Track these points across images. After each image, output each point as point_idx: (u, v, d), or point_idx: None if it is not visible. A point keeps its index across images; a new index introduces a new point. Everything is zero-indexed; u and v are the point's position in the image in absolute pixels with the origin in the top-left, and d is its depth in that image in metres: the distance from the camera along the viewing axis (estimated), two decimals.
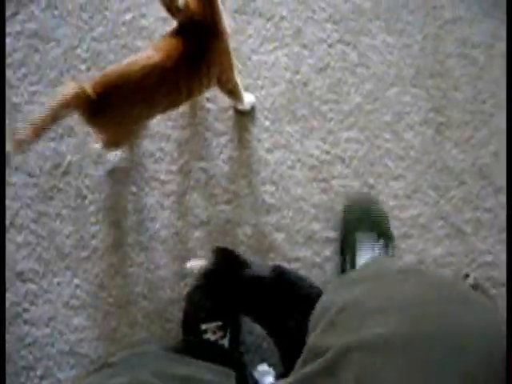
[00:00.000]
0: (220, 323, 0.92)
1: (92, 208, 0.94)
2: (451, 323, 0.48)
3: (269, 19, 1.01)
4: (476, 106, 1.09)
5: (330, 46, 1.01)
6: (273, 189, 1.03)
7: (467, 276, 0.74)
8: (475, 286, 0.64)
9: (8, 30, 1.01)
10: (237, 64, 0.92)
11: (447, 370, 0.45)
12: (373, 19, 1.02)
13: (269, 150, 0.97)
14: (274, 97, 0.99)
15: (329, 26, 1.02)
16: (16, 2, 1.01)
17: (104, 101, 0.77)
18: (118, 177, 1.04)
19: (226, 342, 0.93)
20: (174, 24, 0.83)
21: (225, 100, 0.98)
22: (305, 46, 1.00)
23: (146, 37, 0.99)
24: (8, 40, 1.07)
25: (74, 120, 0.96)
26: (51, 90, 0.99)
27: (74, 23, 1.01)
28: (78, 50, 0.99)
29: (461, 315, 0.49)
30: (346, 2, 1.10)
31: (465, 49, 1.03)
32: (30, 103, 0.99)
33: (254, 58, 0.99)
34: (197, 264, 0.91)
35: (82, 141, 0.97)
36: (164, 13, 0.82)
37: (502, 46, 1.10)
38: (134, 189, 0.96)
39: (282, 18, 1.01)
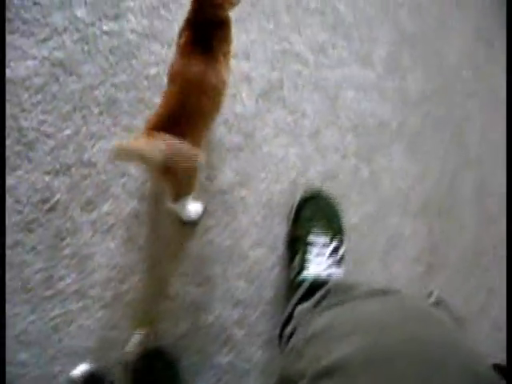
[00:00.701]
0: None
1: (67, 251, 0.95)
2: (408, 340, 0.50)
3: (291, 113, 0.98)
4: (474, 257, 1.09)
5: (343, 157, 0.98)
6: (246, 285, 1.05)
7: (431, 293, 0.73)
8: (438, 303, 0.68)
9: (36, 53, 1.01)
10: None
11: (404, 382, 0.46)
12: (395, 141, 0.99)
13: (252, 246, 0.95)
14: (272, 193, 0.96)
15: (349, 136, 0.98)
16: (51, 28, 0.99)
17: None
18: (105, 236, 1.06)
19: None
20: None
21: (223, 183, 0.95)
22: (318, 151, 0.97)
23: None
24: (33, 63, 1.10)
25: (72, 160, 1.04)
26: (60, 123, 0.96)
27: (100, 63, 0.99)
28: (96, 92, 0.98)
29: (417, 332, 0.51)
30: (373, 116, 1.10)
31: (479, 195, 0.99)
32: (36, 131, 0.98)
33: (265, 148, 0.97)
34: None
35: (76, 183, 0.95)
36: None
37: None
38: (111, 244, 0.95)
39: (305, 115, 0.98)
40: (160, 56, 1.04)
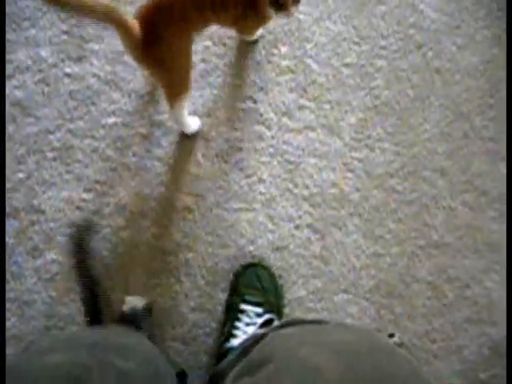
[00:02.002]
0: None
1: (10, 295, 0.97)
2: (377, 369, 0.52)
3: (247, 176, 0.94)
4: (423, 342, 1.10)
5: (296, 227, 0.94)
6: (182, 348, 1.07)
7: (392, 335, 0.74)
8: (400, 345, 0.67)
9: None
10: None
11: None
12: (354, 215, 0.95)
13: (193, 310, 0.93)
14: (219, 258, 0.95)
15: (305, 206, 0.95)
16: (14, 66, 0.97)
17: (151, 33, 0.82)
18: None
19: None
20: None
21: (169, 243, 0.92)
22: (271, 219, 0.96)
23: (119, 148, 0.94)
24: None
25: (22, 203, 1.08)
26: (14, 165, 0.94)
27: (59, 107, 0.98)
28: (51, 137, 0.97)
29: (385, 363, 0.53)
30: (334, 187, 1.13)
31: (437, 280, 0.94)
32: None
33: (215, 211, 0.95)
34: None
35: (24, 227, 0.95)
36: (146, 130, 1.04)
37: (478, 290, 1.12)
38: (53, 293, 0.93)
39: (261, 180, 0.95)
40: (119, 105, 1.02)
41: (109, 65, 1.11)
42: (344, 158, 1.10)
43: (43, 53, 1.12)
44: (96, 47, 1.12)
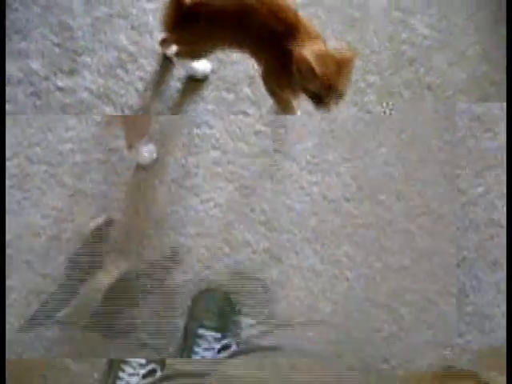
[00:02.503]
0: None
1: None
2: None
3: (203, 201, 0.96)
4: (385, 367, 1.08)
5: (254, 252, 1.12)
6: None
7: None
8: None
9: None
10: None
11: None
12: (311, 239, 1.15)
13: (152, 335, 0.92)
14: (177, 284, 1.10)
15: (262, 230, 1.16)
16: (6, 79, 1.01)
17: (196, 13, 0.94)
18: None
19: None
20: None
21: None
22: (228, 243, 1.27)
23: (76, 175, 0.94)
24: None
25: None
26: None
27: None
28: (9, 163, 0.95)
29: None
30: (291, 210, 1.11)
31: (394, 303, 1.01)
32: None
33: (173, 236, 1.01)
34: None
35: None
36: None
37: (433, 311, 1.11)
38: (11, 319, 0.92)
39: (217, 205, 1.06)
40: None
41: (101, 78, 1.12)
42: (300, 183, 1.11)
43: (34, 65, 1.13)
44: (88, 60, 1.13)
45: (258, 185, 1.15)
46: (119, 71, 1.15)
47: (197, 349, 1.02)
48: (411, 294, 1.15)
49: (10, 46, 1.14)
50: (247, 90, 1.15)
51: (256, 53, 0.97)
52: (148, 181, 1.13)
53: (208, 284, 1.10)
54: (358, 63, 1.13)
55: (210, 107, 1.14)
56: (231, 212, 1.14)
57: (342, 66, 0.87)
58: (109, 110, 1.14)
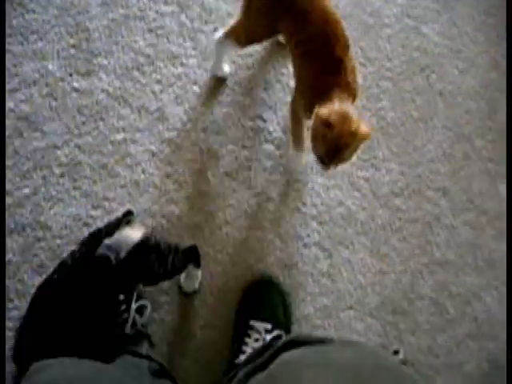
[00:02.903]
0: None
1: (14, 313, 0.91)
2: None
3: (256, 195, 0.94)
4: (427, 357, 1.10)
5: (305, 245, 0.95)
6: (190, 365, 1.05)
7: (396, 352, 0.75)
8: (404, 362, 0.76)
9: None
10: None
11: None
12: (361, 233, 0.96)
13: (202, 327, 0.91)
14: (228, 276, 0.93)
15: (313, 224, 0.96)
16: (20, 79, 0.94)
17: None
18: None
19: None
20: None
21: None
22: (280, 237, 0.96)
23: (129, 165, 0.92)
24: None
25: (28, 220, 1.06)
26: (19, 180, 0.91)
27: (66, 122, 0.96)
28: (59, 152, 0.95)
29: (389, 382, 0.53)
30: (341, 205, 1.15)
31: (440, 296, 0.95)
32: None
33: (225, 229, 0.94)
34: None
35: (29, 244, 0.91)
36: (156, 147, 1.05)
37: (478, 306, 1.14)
38: None
39: (270, 198, 0.95)
40: (128, 121, 1.01)
41: (118, 80, 1.10)
42: (351, 178, 1.12)
43: (50, 66, 1.10)
44: (105, 62, 1.11)
45: (310, 179, 1.16)
46: (136, 73, 1.12)
47: (248, 340, 1.01)
48: (456, 288, 1.18)
49: (26, 47, 1.11)
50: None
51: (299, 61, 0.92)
52: (201, 173, 1.14)
53: (260, 276, 1.10)
54: (371, 69, 1.19)
55: (264, 100, 1.12)
56: (283, 206, 1.14)
57: (354, 139, 0.83)
58: (125, 112, 1.10)
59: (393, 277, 1.14)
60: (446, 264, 1.18)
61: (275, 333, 1.00)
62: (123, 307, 1.02)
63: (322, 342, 0.68)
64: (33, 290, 1.07)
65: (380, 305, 1.13)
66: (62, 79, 1.15)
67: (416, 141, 1.18)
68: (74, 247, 1.09)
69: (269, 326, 1.03)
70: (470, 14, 1.28)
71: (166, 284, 1.08)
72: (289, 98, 1.16)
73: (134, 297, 1.03)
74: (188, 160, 1.11)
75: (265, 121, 1.15)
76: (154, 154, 1.11)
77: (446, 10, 1.28)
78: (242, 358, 1.00)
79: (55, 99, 1.14)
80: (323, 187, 1.15)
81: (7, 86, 1.11)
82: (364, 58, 1.19)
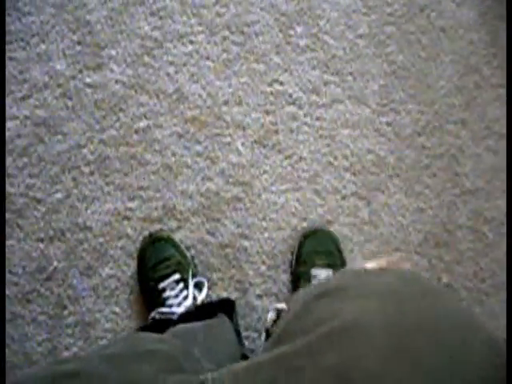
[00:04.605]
0: (177, 276, 0.98)
1: (70, 320, 0.89)
2: (427, 312, 0.48)
3: (287, 157, 0.93)
4: (474, 283, 1.13)
5: (343, 197, 0.93)
6: (255, 335, 1.04)
7: (439, 279, 0.85)
8: (446, 286, 0.64)
9: (16, 113, 0.93)
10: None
11: (426, 354, 0.44)
12: (393, 176, 0.95)
13: (259, 297, 0.89)
14: (275, 242, 0.91)
15: (347, 175, 0.94)
16: (30, 85, 0.90)
17: None
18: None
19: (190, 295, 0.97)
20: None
21: (225, 236, 0.90)
22: (318, 194, 0.93)
23: (157, 151, 0.90)
24: (14, 124, 1.05)
25: (66, 224, 1.03)
26: (49, 186, 0.88)
27: (86, 120, 0.91)
28: (84, 150, 0.91)
29: (435, 305, 0.49)
30: (370, 153, 1.15)
31: (476, 223, 0.97)
32: (25, 196, 0.90)
33: (264, 196, 0.92)
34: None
35: (72, 248, 0.89)
36: (181, 128, 0.71)
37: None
38: (116, 309, 0.88)
39: (302, 158, 0.93)
40: (148, 107, 0.98)
41: (130, 68, 1.06)
42: (374, 125, 1.12)
43: (59, 66, 1.05)
44: (113, 52, 1.06)
45: (336, 133, 1.14)
46: (146, 58, 1.07)
47: None
48: (489, 212, 1.19)
49: (29, 52, 1.05)
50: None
51: None
52: (230, 145, 1.09)
53: (310, 228, 1.06)
54: (374, 17, 1.16)
55: (277, 64, 1.09)
56: (316, 163, 1.11)
57: None
58: (143, 98, 1.06)
59: (430, 212, 1.14)
60: (477, 191, 1.17)
61: None
62: (181, 285, 1.01)
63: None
64: (85, 294, 1.03)
65: (423, 241, 1.13)
66: (73, 77, 1.08)
67: (428, 79, 1.18)
68: (118, 243, 1.06)
69: (330, 273, 1.01)
70: None
71: (216, 261, 1.06)
72: (301, 58, 1.14)
73: (190, 274, 1.01)
74: (215, 135, 1.07)
75: (282, 84, 1.11)
76: (180, 136, 1.07)
77: None
78: None
79: (70, 98, 1.09)
80: (350, 138, 1.12)
81: (18, 95, 1.05)
82: (365, 7, 1.15)
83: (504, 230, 1.16)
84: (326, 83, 1.13)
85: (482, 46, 1.20)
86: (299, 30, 1.14)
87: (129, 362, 0.57)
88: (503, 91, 1.19)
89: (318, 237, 1.06)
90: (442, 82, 1.18)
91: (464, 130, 1.17)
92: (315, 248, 1.05)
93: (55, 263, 1.05)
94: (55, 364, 0.57)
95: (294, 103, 1.12)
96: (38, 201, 1.05)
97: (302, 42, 1.14)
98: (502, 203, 1.16)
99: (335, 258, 1.06)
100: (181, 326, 0.83)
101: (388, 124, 1.15)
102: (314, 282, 1.01)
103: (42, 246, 1.05)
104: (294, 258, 1.07)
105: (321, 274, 1.01)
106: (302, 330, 0.50)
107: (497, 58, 1.19)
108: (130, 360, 0.58)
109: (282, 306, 0.82)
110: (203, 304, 0.97)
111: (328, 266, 1.03)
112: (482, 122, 1.18)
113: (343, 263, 1.08)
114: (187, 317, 0.90)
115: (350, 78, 1.14)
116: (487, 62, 1.19)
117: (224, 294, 1.06)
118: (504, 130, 1.18)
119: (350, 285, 0.54)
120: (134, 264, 1.05)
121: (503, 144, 1.18)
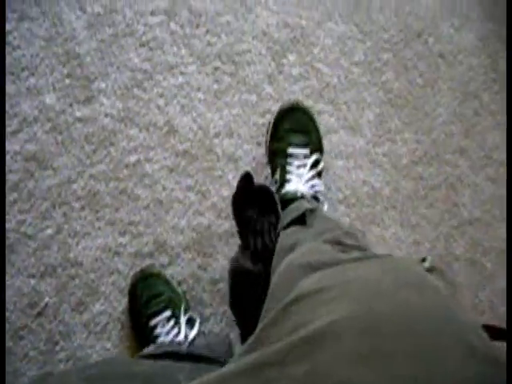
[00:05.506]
0: (168, 313, 0.97)
1: (62, 355, 0.86)
2: (401, 307, 0.46)
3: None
4: (473, 315, 1.09)
5: None
6: None
7: (424, 260, 0.67)
8: (432, 269, 0.62)
9: (7, 148, 0.88)
10: None
11: (399, 356, 0.42)
12: (389, 208, 0.92)
13: None
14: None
15: (342, 208, 0.92)
16: (20, 119, 0.87)
17: None
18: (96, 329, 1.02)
19: (182, 331, 0.96)
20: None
21: (216, 271, 0.88)
22: None
23: (148, 185, 0.88)
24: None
25: (57, 260, 1.01)
26: (40, 222, 0.86)
27: (76, 154, 0.90)
28: (75, 185, 0.89)
29: (410, 299, 0.47)
30: (365, 185, 1.12)
31: (475, 254, 0.93)
32: (16, 232, 0.87)
33: None
34: None
35: (64, 284, 0.87)
36: (171, 162, 0.95)
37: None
38: (108, 344, 0.86)
39: None
40: (139, 141, 0.95)
41: (119, 101, 1.03)
42: (369, 155, 1.08)
43: (48, 100, 1.03)
44: (103, 85, 1.03)
45: (329, 165, 1.10)
46: (136, 91, 1.05)
47: (290, 168, 0.97)
48: (488, 243, 1.16)
49: (19, 85, 1.02)
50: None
51: None
52: (222, 179, 1.06)
53: (283, 104, 1.01)
54: (369, 43, 1.12)
55: (269, 94, 1.06)
56: None
57: None
58: (133, 132, 1.04)
59: (427, 245, 1.10)
60: (475, 221, 1.12)
61: (313, 157, 0.97)
62: (172, 322, 0.99)
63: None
64: (76, 329, 1.02)
65: None
66: (63, 111, 1.06)
67: (426, 107, 1.13)
68: (109, 278, 1.04)
69: (306, 151, 0.98)
70: None
71: (208, 297, 1.04)
72: (294, 87, 1.10)
73: (182, 310, 0.99)
74: (206, 168, 1.04)
75: (274, 114, 1.10)
76: (171, 169, 1.04)
77: None
78: (288, 187, 0.95)
79: (60, 133, 1.06)
80: (344, 169, 1.08)
81: (8, 129, 1.03)
82: (361, 33, 1.11)
83: (503, 259, 1.12)
84: (319, 113, 1.09)
85: (481, 72, 1.15)
86: (292, 58, 1.10)
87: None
88: (503, 118, 1.14)
89: (296, 114, 1.01)
90: (440, 109, 1.13)
91: (462, 159, 1.13)
92: (293, 125, 1.00)
93: (46, 299, 1.03)
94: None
95: None
96: (29, 236, 1.03)
97: (295, 71, 1.10)
98: (501, 233, 1.12)
99: (312, 136, 1.01)
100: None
101: (384, 154, 1.11)
102: (290, 160, 0.98)
103: (33, 281, 1.03)
104: (269, 134, 1.02)
105: (298, 153, 0.98)
106: (276, 337, 0.49)
107: (497, 83, 1.15)
108: (108, 381, 0.57)
109: None
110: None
111: (304, 145, 0.99)
112: (482, 151, 1.14)
113: (319, 141, 1.03)
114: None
115: (344, 107, 1.10)
116: (487, 88, 1.14)
117: (216, 329, 1.04)
118: (503, 158, 1.13)
119: (327, 286, 0.53)
120: (125, 300, 1.03)
121: (503, 172, 1.14)
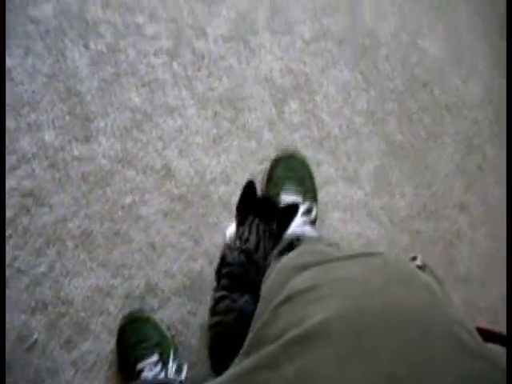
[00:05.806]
0: (156, 357, 0.97)
1: None
2: (390, 305, 0.47)
3: None
4: None
5: None
6: None
7: (414, 258, 0.69)
8: (422, 267, 0.64)
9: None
10: None
11: (383, 353, 0.43)
12: None
13: None
14: None
15: None
16: (19, 156, 0.87)
17: None
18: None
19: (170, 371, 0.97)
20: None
21: (206, 317, 0.88)
22: None
23: (142, 228, 0.87)
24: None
25: (49, 297, 1.00)
26: (33, 259, 0.86)
27: (72, 193, 0.90)
28: (70, 224, 0.89)
29: (400, 296, 0.48)
30: (360, 237, 1.08)
31: (468, 313, 0.91)
32: (10, 267, 0.88)
33: None
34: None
35: (54, 321, 0.87)
36: (167, 206, 0.96)
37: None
38: (95, 383, 0.87)
39: None
40: (135, 183, 0.95)
41: (118, 142, 1.03)
42: (367, 208, 1.06)
43: (47, 137, 1.03)
44: (102, 124, 1.03)
45: (325, 216, 1.09)
46: (135, 132, 1.04)
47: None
48: (484, 302, 1.13)
49: (19, 121, 1.02)
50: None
51: None
52: (216, 226, 1.06)
53: (278, 152, 1.02)
54: (373, 93, 1.10)
55: (269, 141, 1.05)
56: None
57: None
58: (130, 174, 1.03)
59: None
60: (471, 279, 1.10)
61: (306, 205, 0.96)
62: (159, 366, 0.99)
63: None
64: (64, 366, 1.02)
65: None
66: (62, 148, 1.05)
67: (427, 159, 1.11)
68: (99, 318, 1.05)
69: (299, 199, 0.98)
70: (464, 20, 1.19)
71: (196, 342, 1.03)
72: (294, 136, 1.09)
73: (171, 356, 0.99)
74: (200, 215, 1.03)
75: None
76: (165, 214, 1.03)
77: (439, 19, 1.19)
78: None
79: (57, 170, 1.06)
80: (340, 222, 1.07)
81: (6, 165, 1.03)
82: (365, 82, 1.09)
83: (496, 318, 1.10)
84: (318, 163, 1.07)
85: (486, 125, 1.12)
86: (294, 105, 1.08)
87: None
88: (504, 173, 1.12)
89: (291, 162, 1.02)
90: (442, 162, 1.11)
91: (462, 215, 1.11)
92: (286, 172, 1.01)
93: (36, 335, 1.04)
94: None
95: None
96: (22, 272, 1.03)
97: (297, 119, 1.08)
98: (496, 292, 1.10)
99: (305, 184, 1.02)
100: None
101: (381, 207, 1.08)
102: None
103: (24, 316, 1.03)
104: (265, 180, 1.03)
105: (290, 199, 0.97)
106: (268, 339, 0.49)
107: (499, 137, 1.12)
108: None
109: None
110: None
111: (297, 192, 0.99)
112: (482, 206, 1.11)
113: (314, 190, 1.03)
114: None
115: (344, 157, 1.08)
116: (491, 142, 1.12)
117: (203, 376, 1.03)
118: (504, 213, 1.10)
119: (317, 284, 0.53)
120: (113, 340, 1.03)
121: (502, 229, 1.11)
